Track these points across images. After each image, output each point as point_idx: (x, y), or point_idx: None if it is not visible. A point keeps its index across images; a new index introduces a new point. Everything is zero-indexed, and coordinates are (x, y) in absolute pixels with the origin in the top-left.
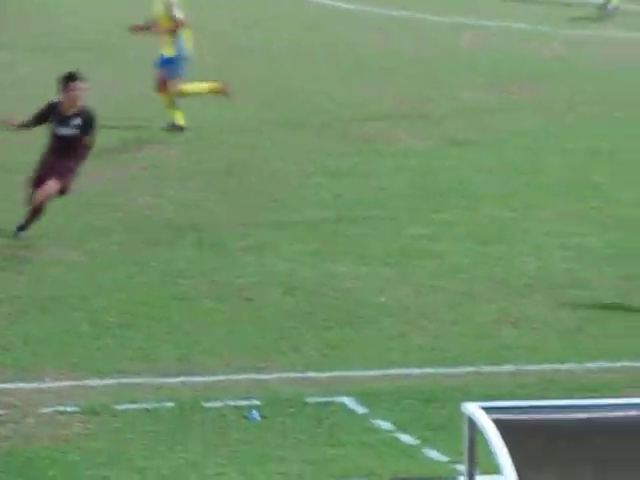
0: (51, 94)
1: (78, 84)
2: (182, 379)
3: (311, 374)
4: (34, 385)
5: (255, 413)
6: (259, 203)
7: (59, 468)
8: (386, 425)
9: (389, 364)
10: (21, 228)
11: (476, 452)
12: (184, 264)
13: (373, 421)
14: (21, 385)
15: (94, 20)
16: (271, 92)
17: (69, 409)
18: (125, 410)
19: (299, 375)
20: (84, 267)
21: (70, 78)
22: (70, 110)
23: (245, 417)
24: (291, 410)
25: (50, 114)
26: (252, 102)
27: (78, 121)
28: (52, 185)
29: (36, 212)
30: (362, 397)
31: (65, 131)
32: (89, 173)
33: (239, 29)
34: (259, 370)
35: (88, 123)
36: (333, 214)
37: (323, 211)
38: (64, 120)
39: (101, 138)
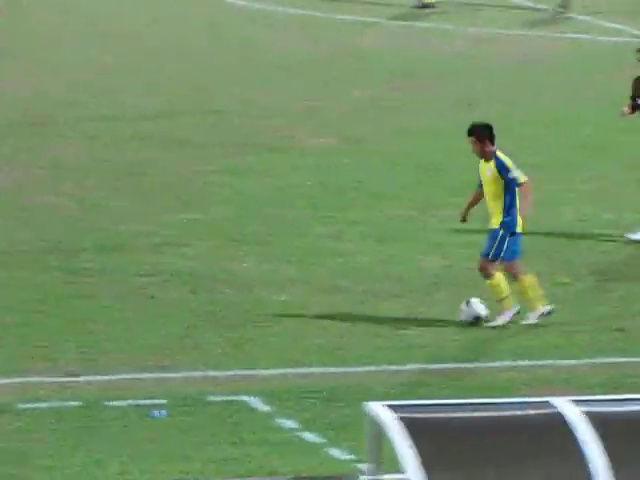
0: None
1: None
2: (86, 378)
3: (214, 373)
4: None
5: (158, 412)
6: (161, 201)
7: None
8: (289, 424)
9: (292, 363)
10: None
11: (379, 450)
12: (86, 263)
13: (276, 420)
14: None
15: None
16: (173, 91)
17: None
18: (29, 409)
19: (202, 374)
20: None
21: None
22: None
23: (149, 416)
24: (194, 409)
25: None
26: (155, 101)
27: None
28: None
29: None
30: (265, 396)
31: None
32: None
33: (140, 28)
34: (162, 369)
35: None
36: (235, 212)
37: (225, 209)
38: None
39: (4, 138)
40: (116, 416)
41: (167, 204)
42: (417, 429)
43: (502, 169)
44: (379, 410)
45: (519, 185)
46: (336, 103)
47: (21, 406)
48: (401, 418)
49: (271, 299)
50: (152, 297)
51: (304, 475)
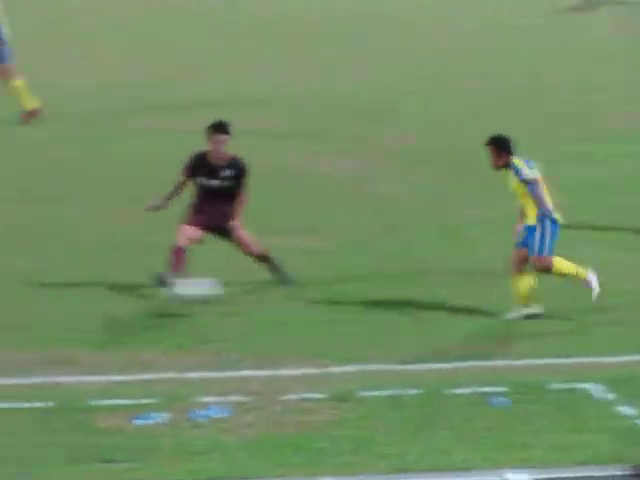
0: None
1: (221, 136)
2: (426, 365)
3: (554, 360)
4: (279, 372)
5: (501, 400)
6: (493, 189)
7: (305, 455)
8: (631, 411)
9: (633, 350)
10: (284, 281)
11: None
12: (425, 250)
13: (617, 407)
14: (265, 372)
15: None
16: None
17: (315, 396)
18: (370, 397)
19: (542, 362)
20: (325, 253)
21: (215, 128)
22: (219, 161)
23: (489, 404)
24: (535, 397)
25: (198, 166)
26: (490, 86)
27: (228, 172)
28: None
29: (265, 259)
30: (606, 383)
31: (215, 183)
32: (330, 161)
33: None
34: (502, 356)
35: (240, 174)
36: (573, 200)
37: (563, 196)
38: (213, 172)
39: (350, 125)
40: (457, 404)
41: (499, 191)
42: None
43: (517, 172)
44: None
45: (529, 183)
46: None
47: (362, 394)
48: None
49: (612, 288)
50: (489, 285)
51: None
